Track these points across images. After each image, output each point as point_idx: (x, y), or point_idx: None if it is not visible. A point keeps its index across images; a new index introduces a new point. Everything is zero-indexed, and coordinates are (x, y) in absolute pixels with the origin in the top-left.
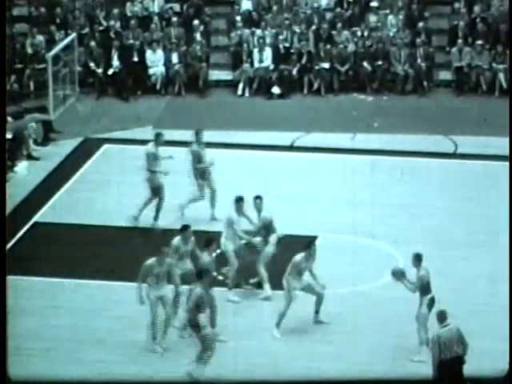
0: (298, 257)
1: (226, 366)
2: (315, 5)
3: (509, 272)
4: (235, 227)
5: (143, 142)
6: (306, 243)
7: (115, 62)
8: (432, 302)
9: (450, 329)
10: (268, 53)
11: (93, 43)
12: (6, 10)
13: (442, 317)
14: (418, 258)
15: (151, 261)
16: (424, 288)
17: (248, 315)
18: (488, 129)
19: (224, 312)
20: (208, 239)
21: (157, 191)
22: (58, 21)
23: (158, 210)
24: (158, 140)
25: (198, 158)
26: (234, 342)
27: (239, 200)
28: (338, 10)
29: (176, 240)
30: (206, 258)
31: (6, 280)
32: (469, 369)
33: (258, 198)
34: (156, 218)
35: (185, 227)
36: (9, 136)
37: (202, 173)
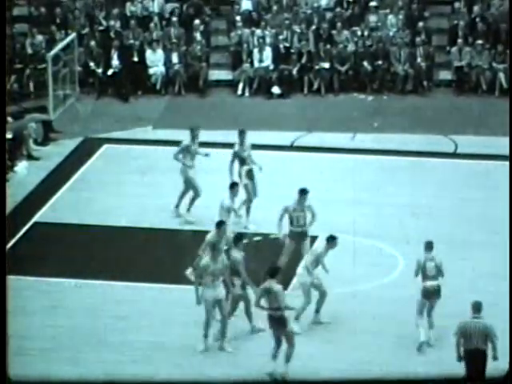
0: (320, 248)
1: (227, 366)
2: (315, 4)
3: (509, 272)
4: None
5: (143, 142)
6: (329, 237)
7: (115, 62)
8: (426, 291)
9: (477, 322)
10: (268, 53)
11: (93, 43)
12: (5, 9)
13: (474, 308)
14: (429, 246)
15: (206, 259)
16: (423, 275)
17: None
18: (488, 128)
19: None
20: (237, 236)
21: (188, 184)
22: (57, 21)
23: (191, 202)
24: (194, 134)
25: (241, 160)
26: (235, 342)
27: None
28: (338, 9)
29: (210, 235)
30: (236, 254)
31: (6, 280)
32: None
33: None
34: (188, 209)
35: (220, 223)
36: (9, 136)
37: (247, 173)
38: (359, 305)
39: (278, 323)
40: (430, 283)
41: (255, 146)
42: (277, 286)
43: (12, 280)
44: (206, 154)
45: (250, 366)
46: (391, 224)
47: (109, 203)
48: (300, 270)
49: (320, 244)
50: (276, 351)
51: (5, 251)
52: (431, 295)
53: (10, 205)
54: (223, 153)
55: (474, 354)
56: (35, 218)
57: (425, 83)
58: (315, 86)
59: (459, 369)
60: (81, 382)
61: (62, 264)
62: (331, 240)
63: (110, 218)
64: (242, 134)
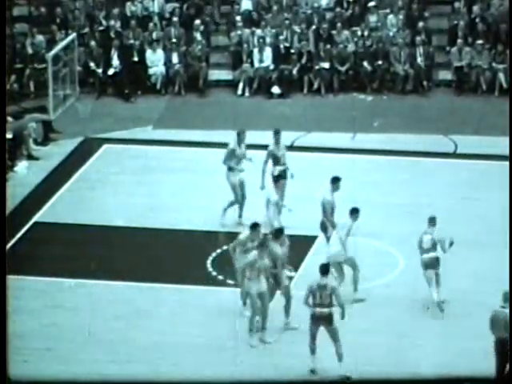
0: (346, 223)
1: (227, 366)
2: (315, 4)
3: (509, 272)
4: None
5: (143, 142)
6: (352, 209)
7: (115, 62)
8: (424, 263)
9: (502, 311)
10: (268, 53)
11: (93, 43)
12: (6, 9)
13: (505, 297)
14: (431, 221)
15: (253, 255)
16: (420, 248)
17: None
18: (488, 128)
19: (225, 313)
20: (277, 231)
21: (233, 188)
22: (58, 21)
23: (240, 206)
24: (240, 138)
25: (275, 160)
26: (235, 342)
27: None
28: (338, 9)
29: (243, 236)
30: (277, 249)
31: (5, 280)
32: (469, 369)
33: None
34: (240, 215)
35: (254, 225)
36: (9, 136)
37: (281, 173)
38: (360, 304)
39: (326, 320)
40: (425, 255)
41: (255, 146)
42: (333, 283)
43: (12, 280)
44: (250, 159)
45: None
46: (391, 224)
47: (109, 203)
48: (331, 249)
49: (344, 220)
50: (314, 346)
51: (5, 251)
52: (430, 266)
53: (10, 205)
54: (224, 153)
55: (498, 344)
56: (35, 218)
57: (425, 83)
58: (315, 86)
59: (460, 369)
60: (81, 381)
61: (61, 264)
62: (355, 212)
63: (110, 218)
64: (277, 133)
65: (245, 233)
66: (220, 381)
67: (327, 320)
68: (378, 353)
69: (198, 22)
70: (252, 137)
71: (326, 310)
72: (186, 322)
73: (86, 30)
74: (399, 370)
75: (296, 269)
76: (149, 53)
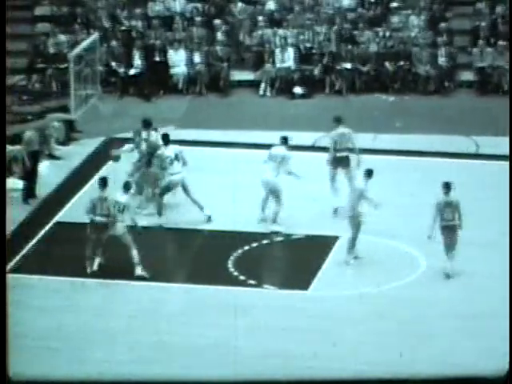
0: (361, 184)
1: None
2: (337, 5)
3: (509, 272)
4: None
5: None
6: (366, 171)
7: (137, 62)
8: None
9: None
10: (290, 53)
11: (115, 43)
12: (6, 9)
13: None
14: (446, 186)
15: None
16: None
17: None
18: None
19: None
20: None
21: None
22: (80, 20)
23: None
24: (285, 142)
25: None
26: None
27: None
28: (360, 10)
29: None
30: None
31: (5, 280)
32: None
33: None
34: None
35: None
36: (31, 135)
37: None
38: (381, 305)
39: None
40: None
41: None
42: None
43: (33, 280)
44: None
45: None
46: (412, 224)
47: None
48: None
49: (358, 181)
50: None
51: (5, 251)
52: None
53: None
54: (245, 153)
55: None
56: (57, 218)
57: (446, 84)
58: (337, 87)
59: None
60: (83, 381)
61: (82, 263)
62: (368, 173)
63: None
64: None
65: None
66: (220, 380)
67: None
68: (397, 353)
69: (218, 21)
70: (273, 137)
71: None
72: (205, 322)
73: (109, 29)
74: (423, 370)
75: (318, 269)
76: (171, 53)
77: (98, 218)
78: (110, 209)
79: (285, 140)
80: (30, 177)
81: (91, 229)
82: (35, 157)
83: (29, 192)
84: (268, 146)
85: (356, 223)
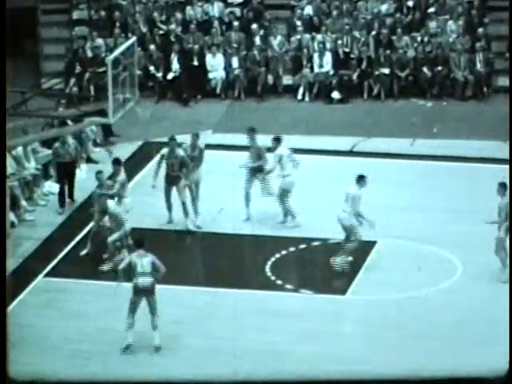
0: (353, 191)
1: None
2: (375, 10)
3: (509, 272)
4: None
5: None
6: (358, 177)
7: (175, 66)
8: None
9: None
10: (328, 58)
11: (152, 47)
12: (6, 9)
13: None
14: (503, 186)
15: None
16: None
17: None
18: None
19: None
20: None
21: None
22: (117, 24)
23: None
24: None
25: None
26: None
27: None
28: (398, 15)
29: None
30: None
31: (5, 280)
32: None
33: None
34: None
35: None
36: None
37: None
38: (418, 310)
39: None
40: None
41: (314, 151)
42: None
43: (69, 283)
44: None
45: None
46: (450, 229)
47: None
48: (340, 214)
49: (352, 188)
50: None
51: (5, 251)
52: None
53: (68, 209)
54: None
55: None
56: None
57: (484, 89)
58: (375, 92)
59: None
60: (82, 381)
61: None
62: (361, 179)
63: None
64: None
65: None
66: (220, 380)
67: None
68: (437, 358)
69: (255, 26)
70: (312, 142)
71: None
72: (244, 326)
73: (146, 33)
74: (457, 373)
75: (355, 274)
76: (209, 57)
77: None
78: None
79: (278, 140)
80: (66, 181)
81: None
82: (67, 166)
83: (65, 196)
84: (306, 151)
85: (351, 230)
